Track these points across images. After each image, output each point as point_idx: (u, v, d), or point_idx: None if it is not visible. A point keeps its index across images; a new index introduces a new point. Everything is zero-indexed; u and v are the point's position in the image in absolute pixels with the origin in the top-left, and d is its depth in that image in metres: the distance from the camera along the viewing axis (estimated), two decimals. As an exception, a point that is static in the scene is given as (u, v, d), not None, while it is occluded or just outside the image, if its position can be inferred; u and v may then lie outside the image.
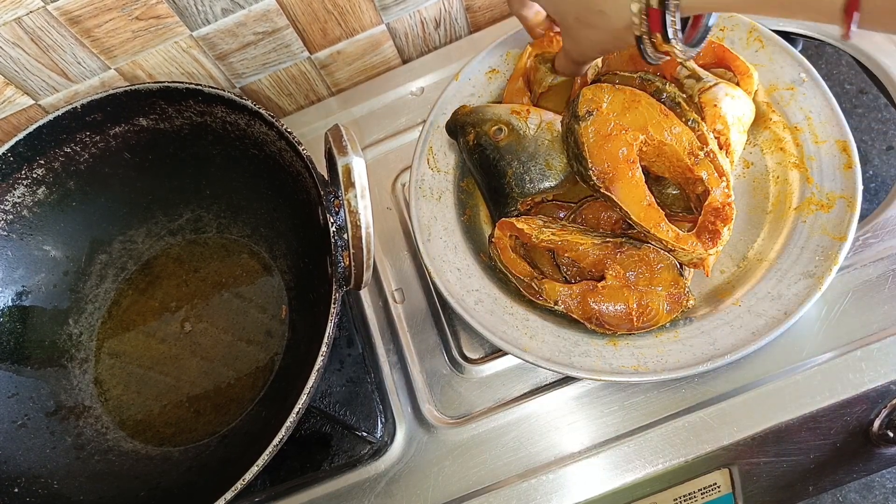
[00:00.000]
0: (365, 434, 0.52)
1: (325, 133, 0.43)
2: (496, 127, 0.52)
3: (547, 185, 0.54)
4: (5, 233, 0.56)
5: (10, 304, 0.56)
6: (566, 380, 0.52)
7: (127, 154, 0.58)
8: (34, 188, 0.57)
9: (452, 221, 0.57)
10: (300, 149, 0.48)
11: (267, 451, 0.40)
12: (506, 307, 0.52)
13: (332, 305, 0.43)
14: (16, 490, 0.48)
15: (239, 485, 0.40)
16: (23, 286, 0.57)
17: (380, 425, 0.53)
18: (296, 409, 0.41)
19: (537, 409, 0.52)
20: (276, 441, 0.40)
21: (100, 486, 0.50)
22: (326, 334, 0.42)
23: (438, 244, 0.56)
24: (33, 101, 0.68)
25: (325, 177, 0.47)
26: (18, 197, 0.56)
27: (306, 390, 0.41)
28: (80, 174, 0.57)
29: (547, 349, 0.49)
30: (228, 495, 0.40)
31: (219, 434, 0.52)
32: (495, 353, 0.54)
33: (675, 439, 0.48)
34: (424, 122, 0.61)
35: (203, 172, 0.58)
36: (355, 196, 0.38)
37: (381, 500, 0.51)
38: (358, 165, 0.38)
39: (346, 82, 0.78)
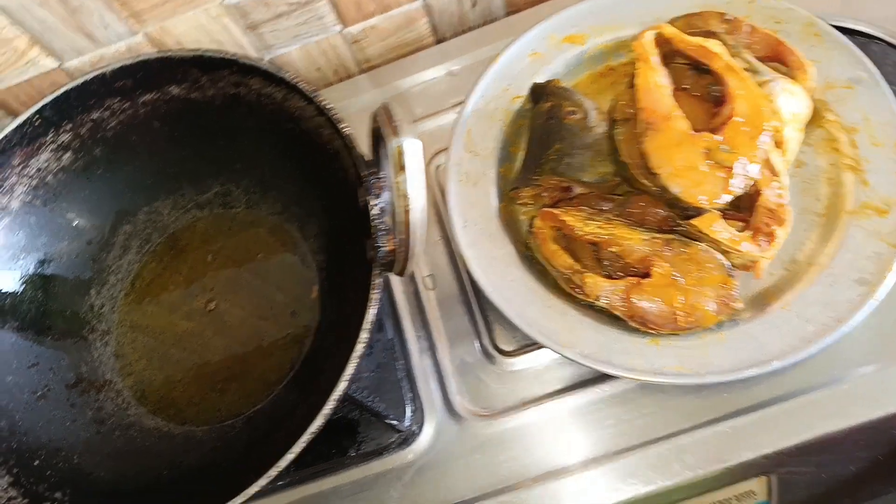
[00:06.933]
0: (394, 422, 0.51)
1: (374, 112, 0.41)
2: (573, 108, 0.53)
3: (578, 175, 0.53)
4: (29, 198, 0.54)
5: (31, 271, 0.54)
6: (602, 378, 0.51)
7: (156, 123, 0.56)
8: (59, 154, 0.55)
9: (489, 208, 0.55)
10: (341, 126, 0.47)
11: (303, 439, 0.39)
12: (544, 300, 0.51)
13: (373, 290, 0.42)
14: (36, 463, 0.47)
15: (273, 471, 0.38)
16: (45, 254, 0.55)
17: (408, 413, 0.52)
18: (334, 396, 0.39)
19: (571, 407, 0.50)
20: (312, 428, 0.39)
21: (121, 462, 0.49)
22: (367, 320, 0.41)
23: (474, 231, 0.54)
24: (57, 64, 0.66)
25: (367, 156, 0.45)
26: (43, 162, 0.54)
27: (345, 377, 0.40)
28: (106, 141, 0.55)
29: (586, 345, 0.48)
30: (263, 481, 0.39)
31: (244, 415, 0.51)
32: (529, 346, 0.53)
33: (716, 445, 0.47)
34: (462, 103, 0.59)
35: (234, 145, 0.56)
36: (407, 179, 0.37)
37: (408, 491, 0.50)
38: (412, 147, 0.36)
39: (377, 59, 0.76)
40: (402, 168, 0.36)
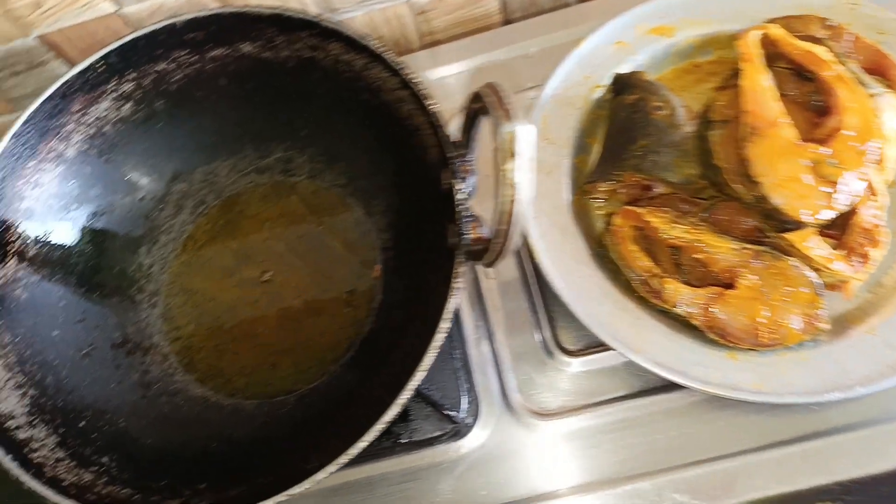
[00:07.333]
0: (451, 413, 0.49)
1: (476, 91, 0.38)
2: (660, 104, 0.50)
3: (663, 175, 0.50)
4: (85, 147, 0.52)
5: (83, 223, 0.52)
6: (668, 387, 0.49)
7: (223, 80, 0.53)
8: (120, 103, 0.52)
9: (562, 200, 0.53)
10: (427, 103, 0.44)
11: (376, 427, 0.37)
12: (616, 301, 0.49)
13: (455, 279, 0.40)
14: (81, 424, 0.45)
15: (344, 458, 0.37)
16: (97, 206, 0.53)
17: (464, 405, 0.50)
18: (411, 385, 0.38)
19: (633, 414, 0.49)
20: (387, 417, 0.37)
21: (168, 429, 0.47)
22: (448, 310, 0.39)
23: (545, 222, 0.52)
24: (115, 9, 0.63)
25: (453, 137, 0.43)
26: (103, 111, 0.52)
27: (423, 367, 0.38)
28: (169, 95, 0.53)
29: (660, 353, 0.46)
30: (332, 468, 0.37)
31: (296, 392, 0.49)
32: (595, 347, 0.51)
33: (785, 467, 0.45)
34: (537, 88, 0.57)
35: (303, 111, 0.54)
36: (516, 168, 0.34)
37: (460, 484, 0.48)
38: (526, 133, 0.34)
39: (440, 32, 0.73)
40: (512, 155, 0.34)
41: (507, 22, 0.73)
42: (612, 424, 0.49)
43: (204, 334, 0.53)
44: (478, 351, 0.52)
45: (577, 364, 0.51)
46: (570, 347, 0.52)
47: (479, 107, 0.39)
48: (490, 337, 0.53)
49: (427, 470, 0.49)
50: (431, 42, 0.74)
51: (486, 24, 0.73)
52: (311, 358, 0.50)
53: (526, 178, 0.34)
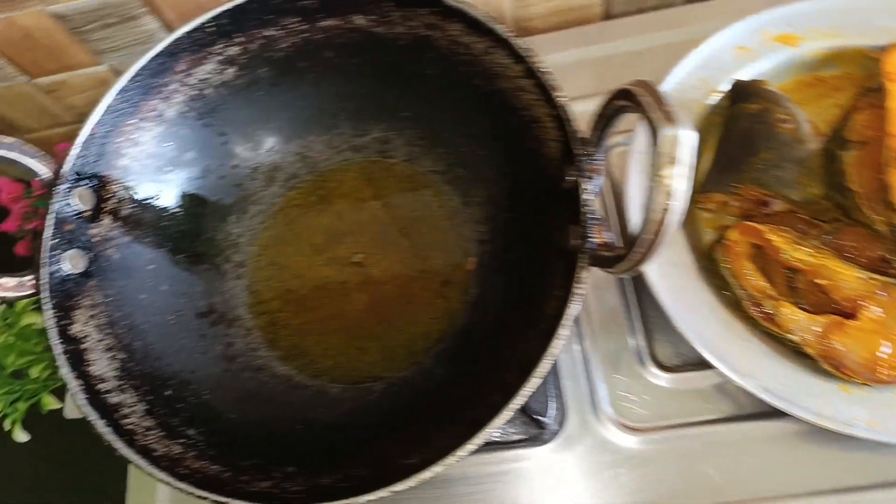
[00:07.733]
0: (539, 418, 0.47)
1: (622, 88, 0.36)
2: (786, 116, 0.48)
3: (785, 191, 0.48)
4: (186, 108, 0.51)
5: (175, 186, 0.51)
6: (766, 414, 0.46)
7: (329, 52, 0.51)
8: (224, 67, 0.51)
9: (668, 208, 0.51)
10: (555, 94, 0.42)
11: (486, 431, 0.35)
12: (723, 320, 0.47)
13: (577, 284, 0.38)
14: (168, 393, 0.45)
15: (451, 459, 0.35)
16: (191, 171, 0.52)
17: (551, 411, 0.48)
18: (525, 391, 0.36)
19: (728, 439, 0.47)
20: (499, 422, 0.36)
21: (251, 406, 0.46)
22: (568, 316, 0.37)
23: (650, 230, 0.50)
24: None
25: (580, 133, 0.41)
26: (206, 73, 0.51)
27: (538, 373, 0.36)
28: (274, 62, 0.51)
29: (769, 379, 0.44)
30: (438, 468, 0.35)
31: (384, 380, 0.48)
32: (692, 365, 0.49)
33: (894, 509, 0.43)
34: (647, 88, 0.55)
35: (409, 92, 0.52)
36: (674, 175, 0.32)
37: (541, 492, 0.47)
38: (689, 139, 0.32)
39: (537, 20, 0.71)
40: (671, 161, 0.32)
41: (608, 17, 0.70)
42: (704, 447, 0.47)
43: (289, 311, 0.51)
44: (569, 355, 0.51)
45: (669, 380, 0.49)
46: (666, 363, 0.50)
47: (624, 105, 0.37)
48: (581, 344, 0.51)
49: (507, 474, 0.48)
50: (527, 29, 0.71)
51: (586, 17, 0.70)
52: (400, 346, 0.49)
53: (683, 186, 0.32)
